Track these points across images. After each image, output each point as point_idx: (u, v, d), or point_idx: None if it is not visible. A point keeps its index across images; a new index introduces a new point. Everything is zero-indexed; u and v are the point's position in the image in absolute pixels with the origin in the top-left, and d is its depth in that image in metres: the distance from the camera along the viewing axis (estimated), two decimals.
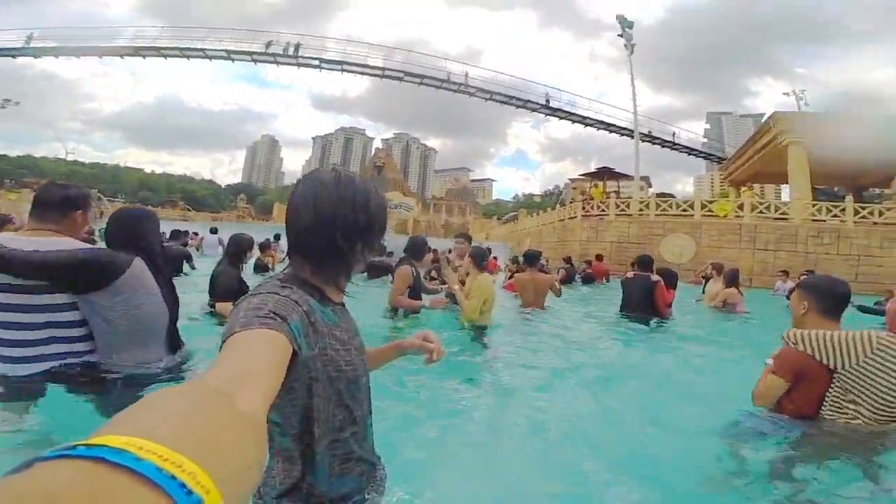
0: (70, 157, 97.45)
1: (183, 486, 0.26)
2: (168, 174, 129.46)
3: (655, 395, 2.92)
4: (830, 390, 1.83)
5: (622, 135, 29.63)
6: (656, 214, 16.41)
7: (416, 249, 4.02)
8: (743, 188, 23.25)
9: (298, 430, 0.84)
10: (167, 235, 10.28)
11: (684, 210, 16.56)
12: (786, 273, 10.85)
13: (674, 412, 2.60)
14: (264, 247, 9.14)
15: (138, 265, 1.69)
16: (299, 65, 30.27)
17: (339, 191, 0.87)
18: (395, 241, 8.03)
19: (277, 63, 30.26)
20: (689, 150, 32.27)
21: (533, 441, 2.22)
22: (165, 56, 28.62)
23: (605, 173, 25.26)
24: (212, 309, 3.53)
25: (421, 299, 3.97)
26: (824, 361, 1.78)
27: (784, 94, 31.49)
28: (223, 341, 0.67)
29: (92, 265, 1.59)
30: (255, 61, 30.18)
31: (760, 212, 15.42)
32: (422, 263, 3.96)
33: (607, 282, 10.59)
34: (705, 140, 43.23)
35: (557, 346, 4.02)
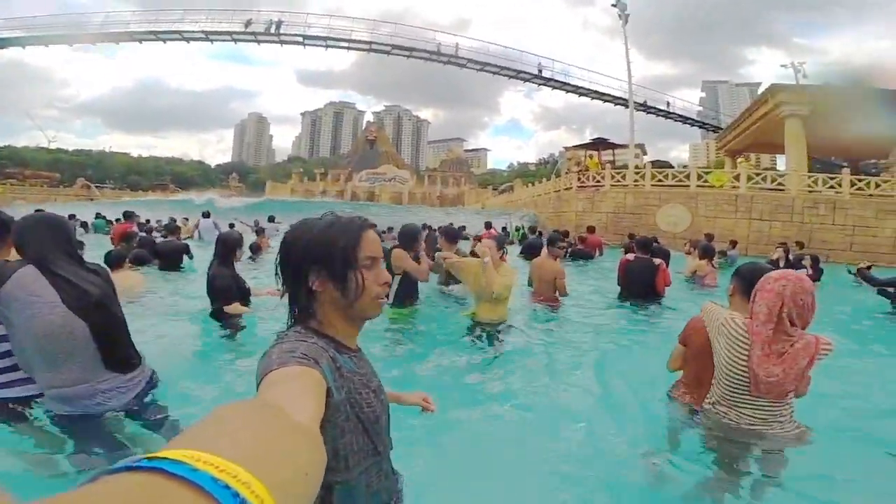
0: (52, 146, 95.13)
1: (236, 495, 0.27)
2: (155, 157, 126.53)
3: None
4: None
5: (616, 104, 29.06)
6: (652, 185, 16.35)
7: (407, 239, 3.81)
8: (739, 158, 23.07)
9: (332, 465, 0.88)
10: (163, 224, 10.30)
11: (680, 180, 16.47)
12: (784, 245, 10.64)
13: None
14: (257, 231, 9.58)
15: (26, 273, 1.55)
16: (282, 42, 29.18)
17: (287, 238, 0.95)
18: (391, 215, 7.93)
19: (259, 42, 29.18)
20: (685, 119, 31.78)
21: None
22: (140, 41, 27.53)
23: (599, 144, 24.97)
24: (214, 312, 3.53)
25: (417, 290, 4.03)
26: (707, 326, 2.01)
27: (782, 65, 30.77)
28: (260, 380, 0.72)
29: None
30: (236, 41, 29.09)
31: (756, 182, 15.35)
32: (415, 250, 3.83)
33: (601, 255, 10.18)
34: (700, 108, 42.51)
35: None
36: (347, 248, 0.92)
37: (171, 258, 6.65)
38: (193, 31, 27.51)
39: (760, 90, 21.89)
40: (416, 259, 3.79)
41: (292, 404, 0.56)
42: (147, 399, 1.83)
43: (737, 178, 15.67)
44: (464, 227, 13.49)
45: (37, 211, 2.24)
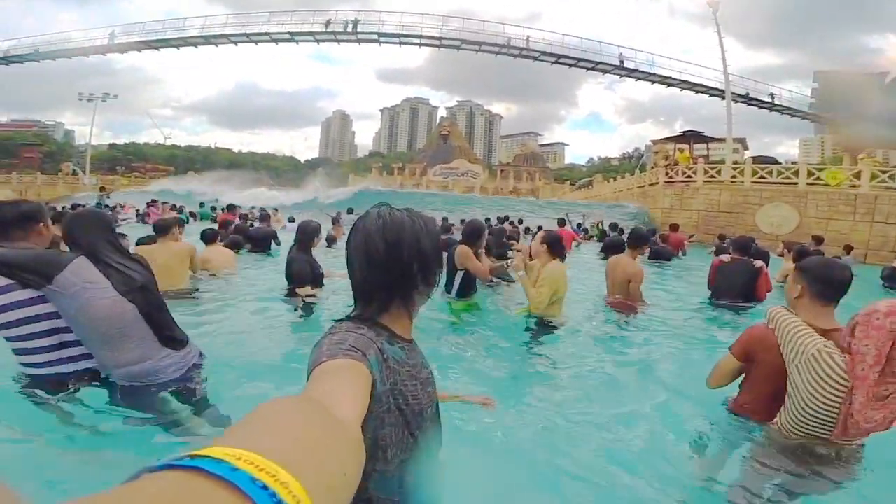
0: (168, 142, 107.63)
1: (274, 495, 0.27)
2: (253, 152, 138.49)
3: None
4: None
5: (711, 95, 26.28)
6: (753, 181, 14.61)
7: (472, 235, 3.78)
8: (861, 154, 19.86)
9: (371, 454, 0.88)
10: (257, 215, 11.31)
11: (787, 177, 14.49)
12: None
13: None
14: (334, 221, 10.21)
15: (80, 263, 1.72)
16: (359, 41, 30.15)
17: (388, 239, 0.91)
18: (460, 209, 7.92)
19: (338, 41, 30.37)
20: (794, 112, 27.86)
21: None
22: (235, 43, 29.87)
23: (691, 137, 22.82)
24: (289, 292, 3.88)
25: (475, 287, 3.99)
26: (779, 342, 1.68)
27: None
28: (310, 372, 0.75)
29: (33, 260, 1.67)
30: (318, 41, 30.51)
31: (882, 181, 13.00)
32: (478, 247, 3.81)
33: (683, 255, 9.28)
34: (814, 100, 37.02)
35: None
36: (441, 264, 0.99)
37: (261, 242, 7.41)
38: (280, 33, 29.34)
39: (888, 80, 18.57)
40: (477, 256, 3.78)
41: (336, 401, 0.57)
42: (195, 380, 2.00)
43: (857, 175, 13.41)
44: (521, 221, 13.07)
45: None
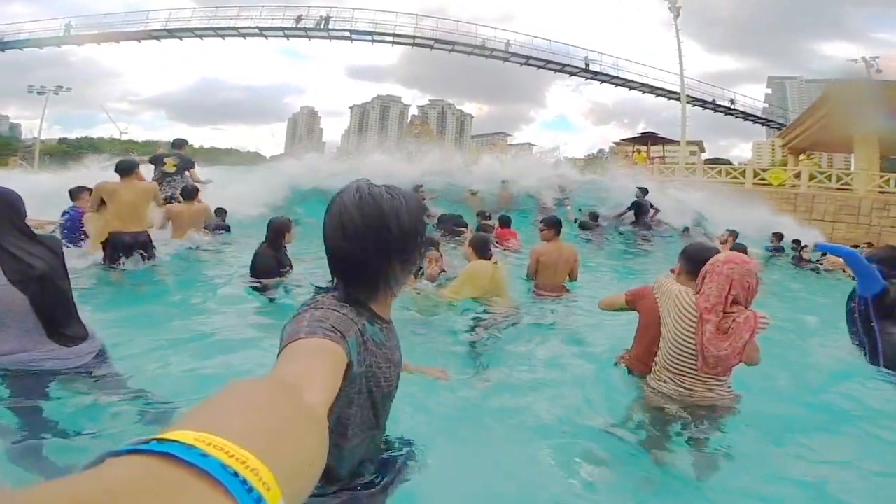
0: (124, 137, 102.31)
1: (245, 482, 0.27)
2: (215, 148, 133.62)
3: None
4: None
5: (670, 98, 27.68)
6: (704, 180, 15.58)
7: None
8: (802, 156, 21.46)
9: (331, 429, 0.95)
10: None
11: (735, 177, 15.58)
12: (870, 245, 9.46)
13: None
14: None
15: None
16: (331, 38, 29.86)
17: (364, 213, 0.89)
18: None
19: (309, 37, 30.00)
20: (746, 116, 29.59)
21: None
22: (201, 37, 29.02)
23: (648, 138, 24.15)
24: (253, 285, 3.86)
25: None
26: (657, 296, 2.11)
27: (852, 60, 27.59)
28: (285, 344, 0.74)
29: None
30: (288, 37, 30.01)
31: (820, 182, 14.25)
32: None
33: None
34: (766, 105, 39.31)
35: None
36: (423, 240, 0.97)
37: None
38: (249, 28, 28.71)
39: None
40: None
41: (308, 384, 0.57)
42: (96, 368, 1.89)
43: (797, 175, 14.62)
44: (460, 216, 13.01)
45: None
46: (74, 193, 5.37)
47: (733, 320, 1.84)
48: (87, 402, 1.90)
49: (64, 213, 5.38)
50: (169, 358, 2.75)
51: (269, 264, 3.79)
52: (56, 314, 1.76)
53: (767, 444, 2.14)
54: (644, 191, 10.11)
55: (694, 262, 2.15)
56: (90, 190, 4.58)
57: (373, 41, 30.12)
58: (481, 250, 3.61)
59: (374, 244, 0.89)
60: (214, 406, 0.35)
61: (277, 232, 3.84)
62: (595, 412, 2.36)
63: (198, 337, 3.11)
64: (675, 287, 2.07)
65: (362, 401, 0.92)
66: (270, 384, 0.44)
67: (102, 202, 4.12)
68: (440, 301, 3.56)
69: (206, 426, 0.30)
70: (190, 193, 5.68)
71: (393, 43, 30.18)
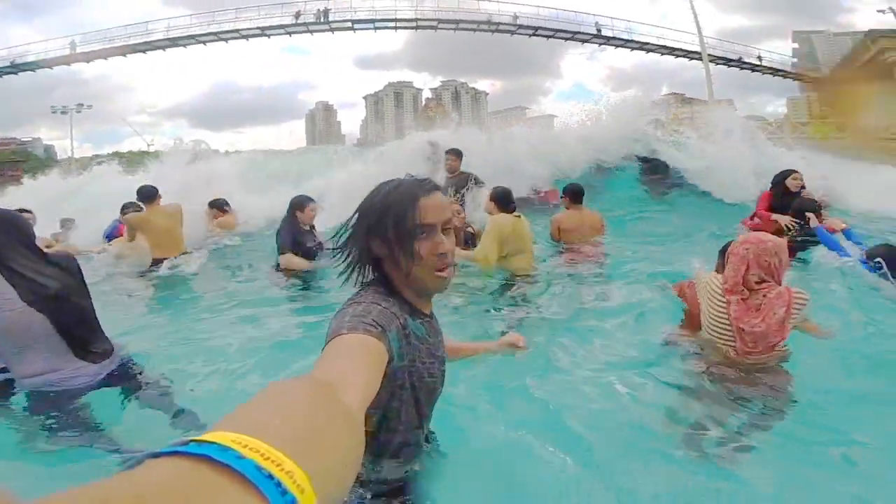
0: (152, 149, 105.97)
1: (279, 484, 0.27)
2: (238, 151, 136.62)
3: None
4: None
5: (691, 59, 25.95)
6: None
7: None
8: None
9: (374, 429, 0.92)
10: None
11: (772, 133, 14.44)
12: None
13: None
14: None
15: None
16: (332, 30, 29.49)
17: (364, 200, 0.94)
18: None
19: (311, 31, 29.68)
20: (776, 71, 27.52)
21: None
22: (204, 42, 29.15)
23: (673, 100, 22.79)
24: (277, 266, 3.87)
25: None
26: (697, 290, 2.19)
27: (879, 10, 24.80)
28: (328, 340, 0.76)
29: None
30: (290, 34, 29.83)
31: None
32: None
33: None
34: (794, 60, 36.26)
35: None
36: (400, 215, 0.87)
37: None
38: (250, 28, 28.63)
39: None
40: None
41: (345, 385, 0.57)
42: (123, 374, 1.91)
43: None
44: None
45: None
46: (124, 206, 4.90)
47: (764, 296, 1.88)
48: (125, 412, 1.91)
49: (110, 225, 5.37)
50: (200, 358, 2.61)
51: (284, 239, 3.75)
52: (77, 332, 1.76)
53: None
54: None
55: (503, 199, 2.81)
56: (135, 205, 4.50)
57: (375, 28, 29.59)
58: (503, 203, 3.48)
59: (360, 223, 0.92)
60: (252, 408, 0.35)
61: (291, 209, 3.80)
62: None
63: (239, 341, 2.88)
64: (706, 276, 2.15)
65: (405, 396, 0.91)
66: (308, 385, 0.44)
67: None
68: (472, 268, 3.51)
69: (244, 428, 0.30)
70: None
71: (396, 28, 29.60)
